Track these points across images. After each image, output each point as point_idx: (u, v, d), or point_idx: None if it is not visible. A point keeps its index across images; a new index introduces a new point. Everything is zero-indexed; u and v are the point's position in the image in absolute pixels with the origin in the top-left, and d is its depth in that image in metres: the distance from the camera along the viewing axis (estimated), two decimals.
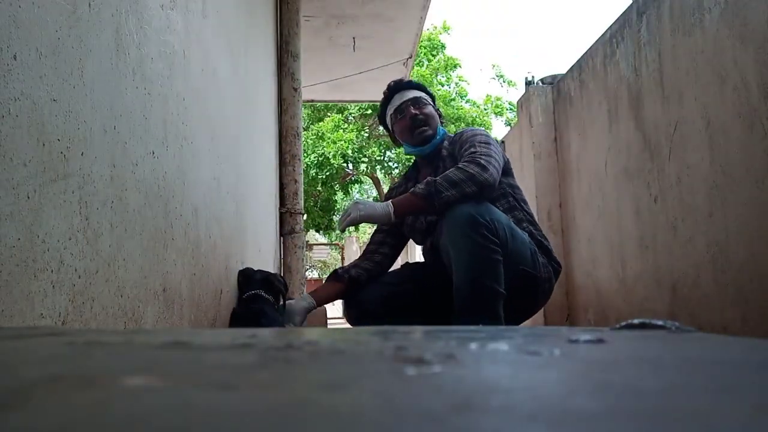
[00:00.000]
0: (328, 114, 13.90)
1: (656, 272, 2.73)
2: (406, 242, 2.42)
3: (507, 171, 2.20)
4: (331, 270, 3.14)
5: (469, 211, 1.86)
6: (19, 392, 0.33)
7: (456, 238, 1.88)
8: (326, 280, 2.29)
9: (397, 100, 2.29)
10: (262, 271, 2.38)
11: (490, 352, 0.53)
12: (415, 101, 2.26)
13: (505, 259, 1.86)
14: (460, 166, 1.97)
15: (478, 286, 1.81)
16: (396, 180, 2.73)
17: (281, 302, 2.22)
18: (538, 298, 2.08)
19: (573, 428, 0.26)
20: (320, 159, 12.86)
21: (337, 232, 16.92)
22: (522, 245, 1.98)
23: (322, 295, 2.21)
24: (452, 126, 14.39)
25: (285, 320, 2.13)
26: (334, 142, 12.81)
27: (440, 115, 2.35)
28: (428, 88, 2.40)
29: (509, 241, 1.90)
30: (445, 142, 2.26)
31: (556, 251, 3.99)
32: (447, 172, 1.97)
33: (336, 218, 15.76)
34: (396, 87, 2.33)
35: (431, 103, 2.32)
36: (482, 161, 1.96)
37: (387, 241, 2.33)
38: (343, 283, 2.19)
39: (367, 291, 2.17)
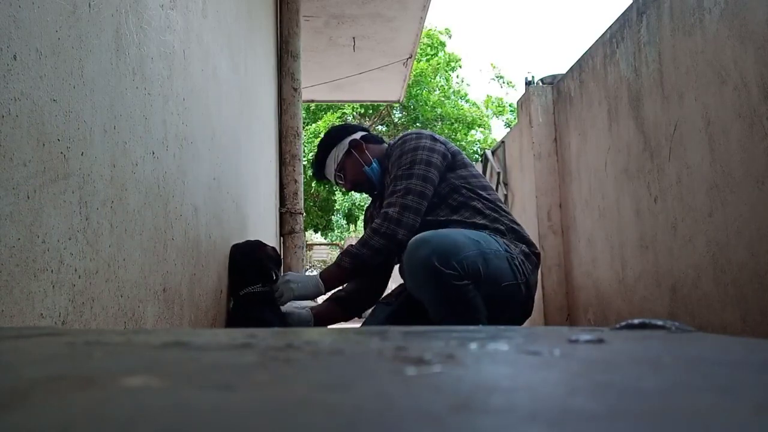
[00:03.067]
0: (325, 115, 13.88)
1: (656, 272, 2.72)
2: None
3: (453, 166, 2.08)
4: None
5: (431, 262, 1.74)
6: (19, 392, 0.33)
7: (422, 288, 1.82)
8: (327, 301, 2.27)
9: (327, 180, 2.39)
10: (253, 247, 2.33)
11: (490, 352, 0.53)
12: (338, 177, 2.27)
13: (484, 285, 1.79)
14: (374, 227, 1.98)
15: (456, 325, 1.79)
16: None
17: (276, 279, 2.22)
18: (526, 300, 1.99)
19: (573, 428, 0.26)
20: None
21: (336, 232, 16.94)
22: (498, 261, 1.85)
23: (323, 315, 2.20)
24: (452, 128, 14.36)
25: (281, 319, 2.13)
26: None
27: (366, 140, 2.26)
28: (330, 137, 2.32)
29: (483, 268, 1.79)
30: (391, 157, 2.15)
31: (556, 251, 4.01)
32: (365, 235, 2.01)
33: (335, 219, 15.76)
34: (318, 177, 2.39)
35: (342, 152, 2.25)
36: (393, 214, 1.96)
37: None
38: (337, 305, 2.20)
39: (370, 320, 2.21)
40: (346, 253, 2.02)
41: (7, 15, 0.80)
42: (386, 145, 2.28)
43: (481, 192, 2.07)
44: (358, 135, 2.28)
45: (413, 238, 1.84)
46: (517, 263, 1.91)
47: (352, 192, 2.58)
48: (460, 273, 1.75)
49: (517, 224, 2.07)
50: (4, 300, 0.78)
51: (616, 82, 3.14)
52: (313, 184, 12.37)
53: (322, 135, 2.43)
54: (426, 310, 1.94)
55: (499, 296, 1.83)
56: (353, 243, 2.05)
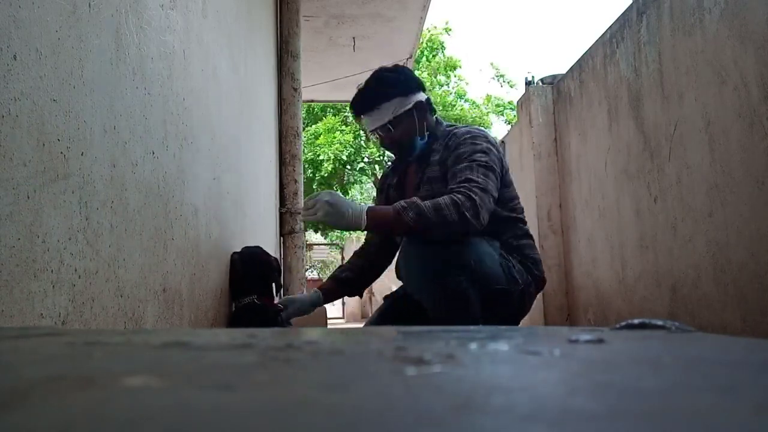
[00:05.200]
0: (326, 116, 13.86)
1: (656, 272, 2.73)
2: None
3: (506, 182, 1.99)
4: (332, 270, 3.07)
5: (428, 257, 1.77)
6: (19, 392, 0.33)
7: (420, 287, 1.82)
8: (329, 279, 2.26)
9: (365, 125, 2.04)
10: (256, 259, 2.34)
11: (490, 352, 0.53)
12: (382, 128, 1.98)
13: (476, 282, 1.79)
14: (455, 200, 1.73)
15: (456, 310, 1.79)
16: (389, 164, 2.52)
17: (278, 293, 2.24)
18: (517, 308, 1.96)
19: (573, 428, 0.26)
20: (316, 159, 12.83)
21: (337, 232, 16.87)
22: (491, 264, 1.85)
23: (329, 289, 2.17)
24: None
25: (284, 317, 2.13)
26: (330, 145, 12.76)
27: (428, 108, 2.03)
28: (400, 82, 2.01)
29: (477, 267, 1.79)
30: (438, 143, 2.01)
31: (556, 251, 4.02)
32: (440, 202, 1.73)
33: None
34: (358, 110, 2.02)
35: (404, 108, 1.96)
36: (477, 200, 1.75)
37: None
38: (337, 286, 2.19)
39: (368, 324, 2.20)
40: (413, 207, 1.73)
41: (7, 15, 0.80)
42: (439, 124, 2.07)
43: (520, 216, 2.04)
44: (424, 97, 2.02)
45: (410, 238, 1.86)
46: (514, 272, 1.90)
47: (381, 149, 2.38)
48: (456, 265, 1.77)
49: (535, 250, 2.04)
50: (4, 300, 0.78)
51: (616, 82, 3.14)
52: (319, 171, 12.34)
53: (382, 70, 2.04)
54: (416, 306, 1.96)
55: (490, 297, 1.83)
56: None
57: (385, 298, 2.21)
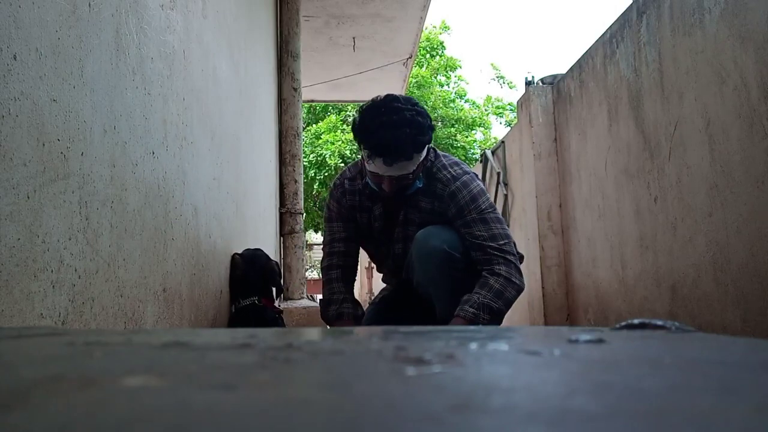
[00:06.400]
0: (327, 116, 13.85)
1: (656, 272, 2.73)
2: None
3: None
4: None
5: (442, 248, 1.82)
6: (19, 392, 0.33)
7: (434, 277, 1.85)
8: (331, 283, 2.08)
9: (385, 169, 1.81)
10: (257, 260, 2.34)
11: (490, 352, 0.53)
12: (403, 177, 1.83)
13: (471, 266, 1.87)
14: (505, 277, 1.79)
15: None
16: (347, 172, 2.08)
17: (278, 296, 2.23)
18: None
19: (573, 428, 0.26)
20: (318, 159, 12.83)
21: None
22: None
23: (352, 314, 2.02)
24: (452, 129, 14.33)
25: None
26: (332, 143, 12.78)
27: (430, 144, 1.88)
28: (429, 128, 1.82)
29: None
30: (424, 181, 1.91)
31: (556, 251, 4.02)
32: (497, 288, 1.77)
33: None
34: (390, 157, 1.77)
35: (425, 156, 1.85)
36: (512, 260, 1.83)
37: (351, 237, 2.08)
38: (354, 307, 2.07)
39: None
40: (483, 309, 1.74)
41: (7, 15, 0.80)
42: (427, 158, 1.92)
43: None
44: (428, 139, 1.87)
45: (420, 232, 1.88)
46: None
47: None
48: (461, 258, 1.84)
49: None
50: (4, 300, 0.78)
51: (616, 82, 3.14)
52: (318, 177, 12.32)
53: (414, 111, 1.79)
54: (409, 303, 2.01)
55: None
56: (483, 295, 1.76)
57: (372, 303, 2.20)
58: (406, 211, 1.94)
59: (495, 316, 1.76)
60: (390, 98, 1.84)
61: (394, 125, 1.76)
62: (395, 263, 2.04)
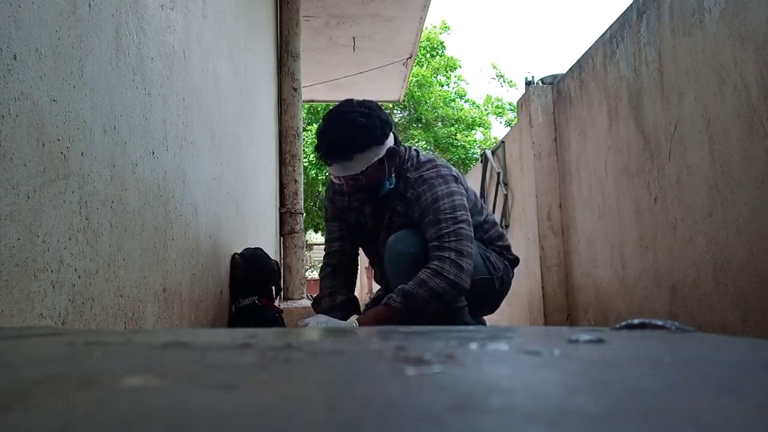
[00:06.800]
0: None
1: (656, 272, 2.73)
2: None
3: (477, 210, 2.06)
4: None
5: (408, 252, 1.87)
6: (19, 392, 0.33)
7: (403, 281, 1.83)
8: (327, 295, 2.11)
9: (334, 170, 1.90)
10: (257, 259, 2.35)
11: (490, 352, 0.53)
12: (353, 177, 1.87)
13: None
14: (434, 269, 1.79)
15: (445, 318, 1.84)
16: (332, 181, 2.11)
17: (278, 296, 2.23)
18: (498, 291, 2.12)
19: (573, 428, 0.26)
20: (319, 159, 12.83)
21: None
22: (476, 260, 1.94)
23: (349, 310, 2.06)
24: (452, 128, 14.32)
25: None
26: None
27: (396, 148, 1.93)
28: (376, 129, 1.85)
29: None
30: (400, 185, 1.96)
31: (556, 251, 4.02)
32: (421, 277, 1.78)
33: None
34: (329, 157, 1.86)
35: (378, 157, 1.86)
36: (458, 261, 1.81)
37: (345, 236, 2.13)
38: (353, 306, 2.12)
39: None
40: (397, 293, 1.78)
41: (7, 15, 0.80)
42: (401, 160, 1.97)
43: (485, 226, 2.14)
44: (392, 139, 1.93)
45: (390, 237, 1.94)
46: (491, 261, 2.07)
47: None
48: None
49: (504, 239, 2.19)
50: (4, 300, 0.78)
51: (616, 82, 3.14)
52: (319, 173, 12.30)
53: (356, 112, 1.85)
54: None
55: (473, 287, 1.90)
56: (408, 285, 1.79)
57: (368, 305, 2.20)
58: (390, 214, 2.01)
59: (408, 299, 1.76)
60: (343, 102, 1.94)
61: (333, 126, 1.85)
62: (382, 265, 2.10)
